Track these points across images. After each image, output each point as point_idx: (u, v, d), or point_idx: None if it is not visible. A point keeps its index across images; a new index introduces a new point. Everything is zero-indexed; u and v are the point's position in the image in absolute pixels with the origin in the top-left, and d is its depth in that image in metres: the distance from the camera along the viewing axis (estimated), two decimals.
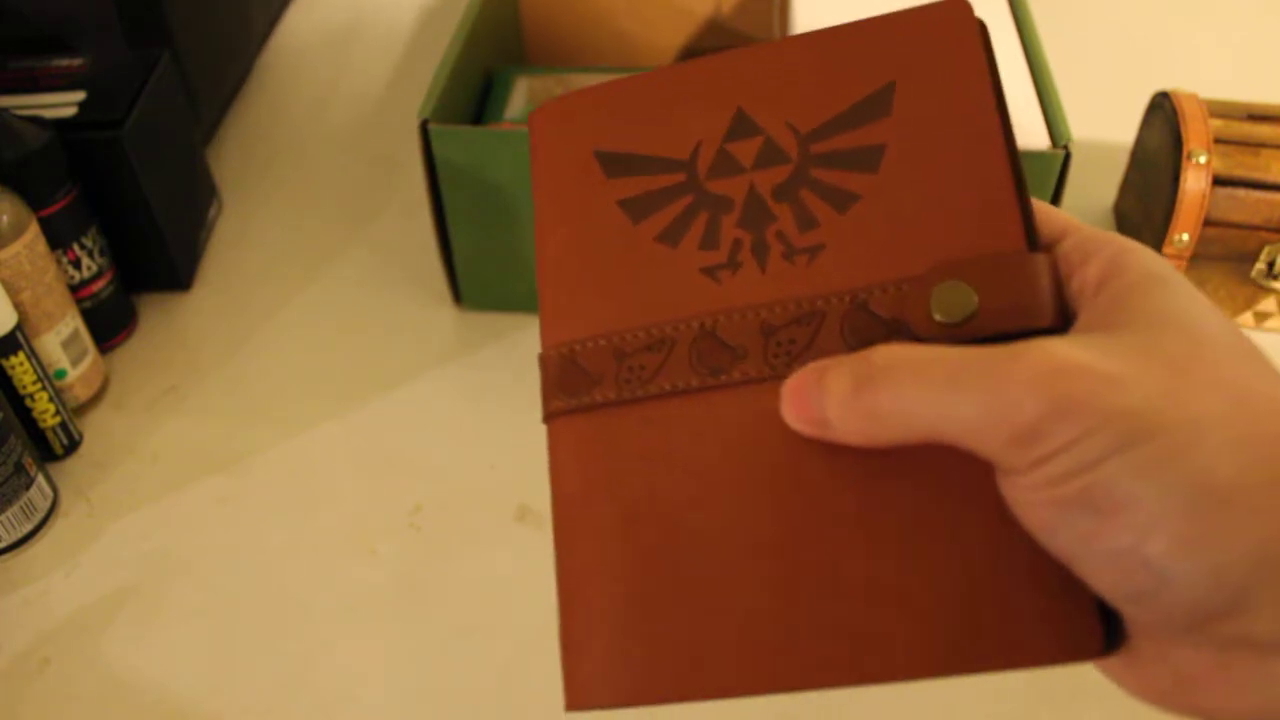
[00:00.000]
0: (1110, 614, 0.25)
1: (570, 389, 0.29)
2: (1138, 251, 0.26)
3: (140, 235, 0.69)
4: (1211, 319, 0.24)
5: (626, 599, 0.27)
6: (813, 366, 0.27)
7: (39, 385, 0.59)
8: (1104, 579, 0.23)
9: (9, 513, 0.56)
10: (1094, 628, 0.25)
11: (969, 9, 0.29)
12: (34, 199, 0.60)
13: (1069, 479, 0.22)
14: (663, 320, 0.29)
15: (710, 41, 0.84)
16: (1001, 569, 0.26)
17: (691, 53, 0.84)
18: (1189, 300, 0.24)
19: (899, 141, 0.29)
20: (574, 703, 0.27)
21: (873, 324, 0.27)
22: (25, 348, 0.58)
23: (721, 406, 0.28)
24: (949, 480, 0.26)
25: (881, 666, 0.26)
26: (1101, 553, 0.22)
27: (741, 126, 0.30)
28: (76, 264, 0.64)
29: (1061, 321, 0.26)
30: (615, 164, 0.31)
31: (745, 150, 0.30)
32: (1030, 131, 0.60)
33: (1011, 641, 0.25)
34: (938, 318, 0.26)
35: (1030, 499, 0.24)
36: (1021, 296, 0.26)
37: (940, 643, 0.26)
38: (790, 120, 0.30)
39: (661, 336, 0.29)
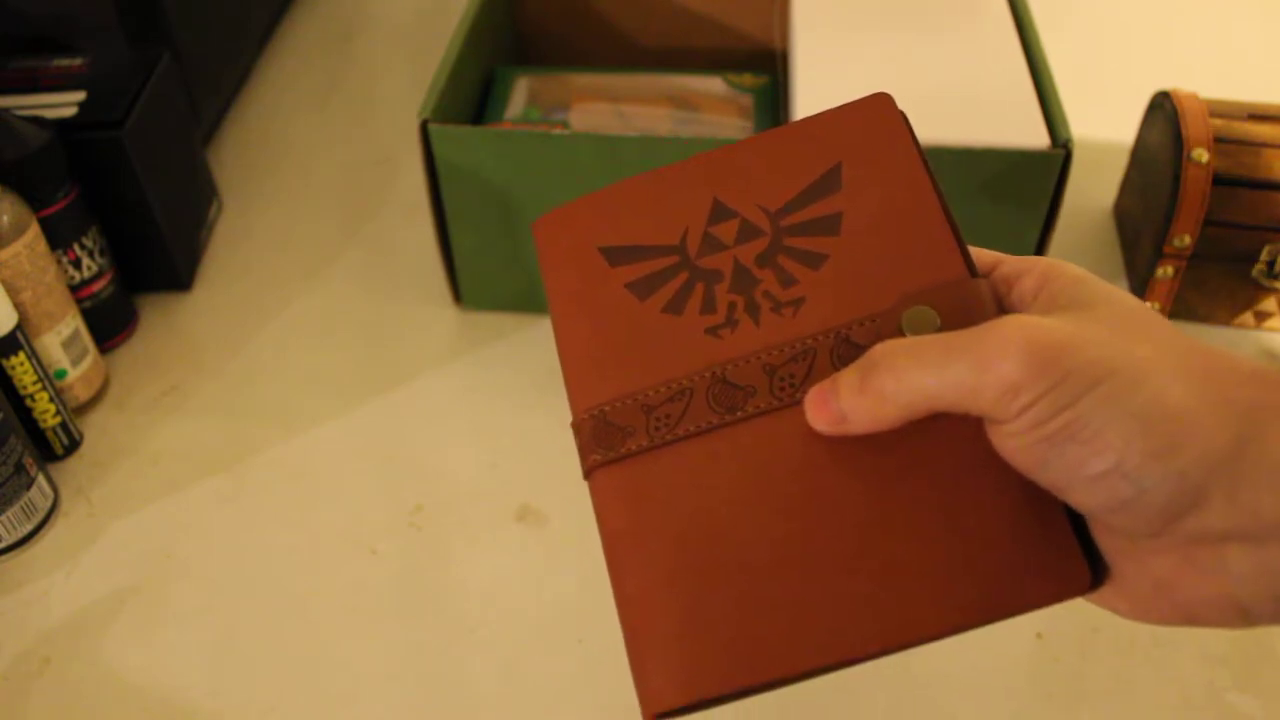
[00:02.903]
0: (1093, 557, 0.30)
1: (606, 444, 0.33)
2: (1062, 264, 0.32)
3: (140, 235, 0.69)
4: (1128, 300, 0.30)
5: (681, 611, 0.31)
6: (827, 379, 0.32)
7: (39, 385, 0.59)
8: (1092, 497, 0.28)
9: (9, 513, 0.56)
10: (1081, 567, 0.30)
11: (890, 100, 0.36)
12: (34, 199, 0.60)
13: (1052, 418, 0.27)
14: (680, 375, 0.34)
15: (710, 41, 0.84)
16: (998, 531, 0.30)
17: (690, 52, 0.85)
18: (1109, 290, 0.30)
19: (852, 208, 0.35)
20: (650, 710, 0.31)
21: (856, 352, 0.32)
22: (26, 348, 0.58)
23: (741, 437, 0.33)
24: (941, 464, 0.31)
25: (908, 630, 0.30)
26: (1088, 475, 0.27)
27: (720, 212, 0.36)
28: (77, 264, 0.64)
29: None
30: (617, 255, 0.36)
31: (726, 231, 0.35)
32: (1030, 131, 0.60)
33: (1017, 590, 0.30)
34: (909, 336, 0.32)
35: (1022, 443, 0.28)
36: (972, 311, 0.32)
37: (957, 601, 0.30)
38: (760, 202, 0.36)
39: (680, 388, 0.33)
